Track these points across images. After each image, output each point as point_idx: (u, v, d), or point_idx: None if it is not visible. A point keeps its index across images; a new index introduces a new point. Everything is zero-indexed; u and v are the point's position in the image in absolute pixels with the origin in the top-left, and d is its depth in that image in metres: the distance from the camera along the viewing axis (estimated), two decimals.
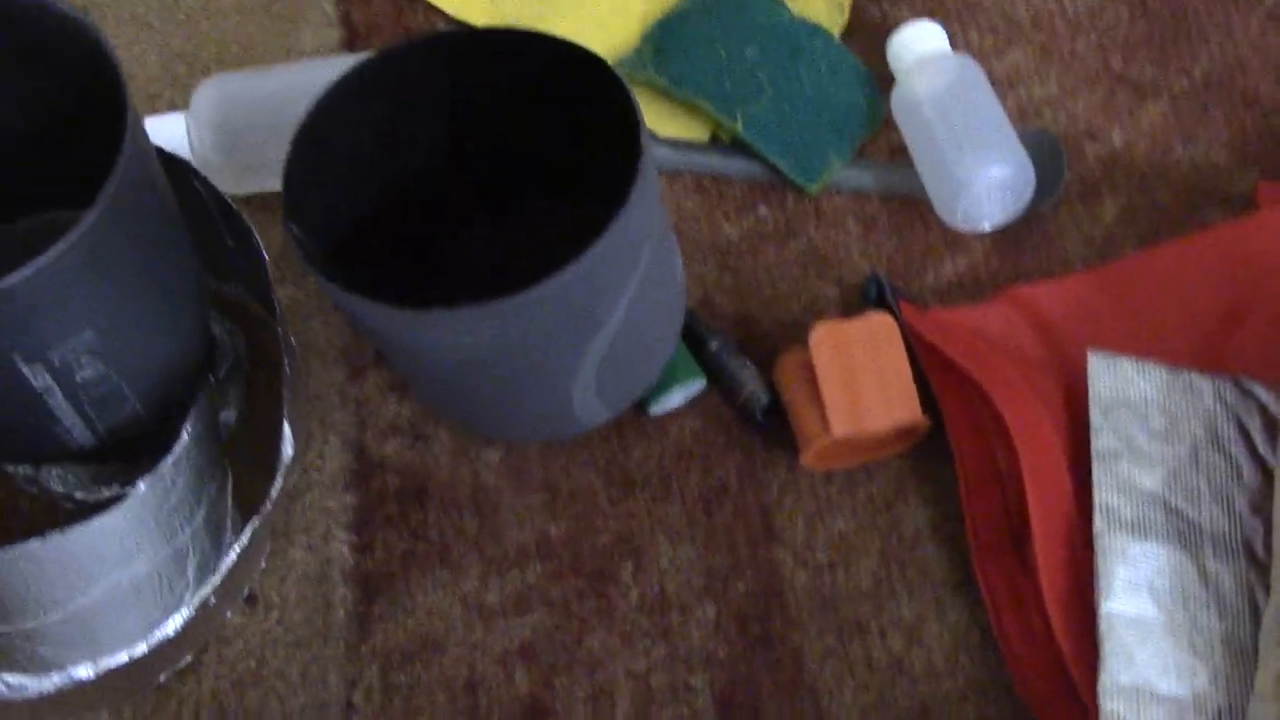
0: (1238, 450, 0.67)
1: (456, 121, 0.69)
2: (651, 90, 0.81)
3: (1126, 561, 0.64)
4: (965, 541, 0.69)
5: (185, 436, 0.57)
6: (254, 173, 0.78)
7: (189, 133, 0.76)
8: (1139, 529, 0.65)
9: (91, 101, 0.60)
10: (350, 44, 0.86)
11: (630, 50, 0.83)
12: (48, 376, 0.54)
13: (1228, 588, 0.64)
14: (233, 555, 0.61)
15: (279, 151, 0.76)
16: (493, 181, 0.73)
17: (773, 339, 0.76)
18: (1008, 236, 0.78)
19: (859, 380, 0.68)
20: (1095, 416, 0.68)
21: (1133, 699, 0.61)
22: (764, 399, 0.72)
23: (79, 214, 0.69)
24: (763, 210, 0.80)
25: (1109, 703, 0.61)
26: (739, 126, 0.78)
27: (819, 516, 0.71)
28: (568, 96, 0.66)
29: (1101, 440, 0.67)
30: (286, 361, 0.62)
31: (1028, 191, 0.76)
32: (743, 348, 0.74)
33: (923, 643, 0.68)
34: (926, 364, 0.71)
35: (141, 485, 0.55)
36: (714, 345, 0.73)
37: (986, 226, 0.77)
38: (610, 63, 0.83)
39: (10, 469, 0.67)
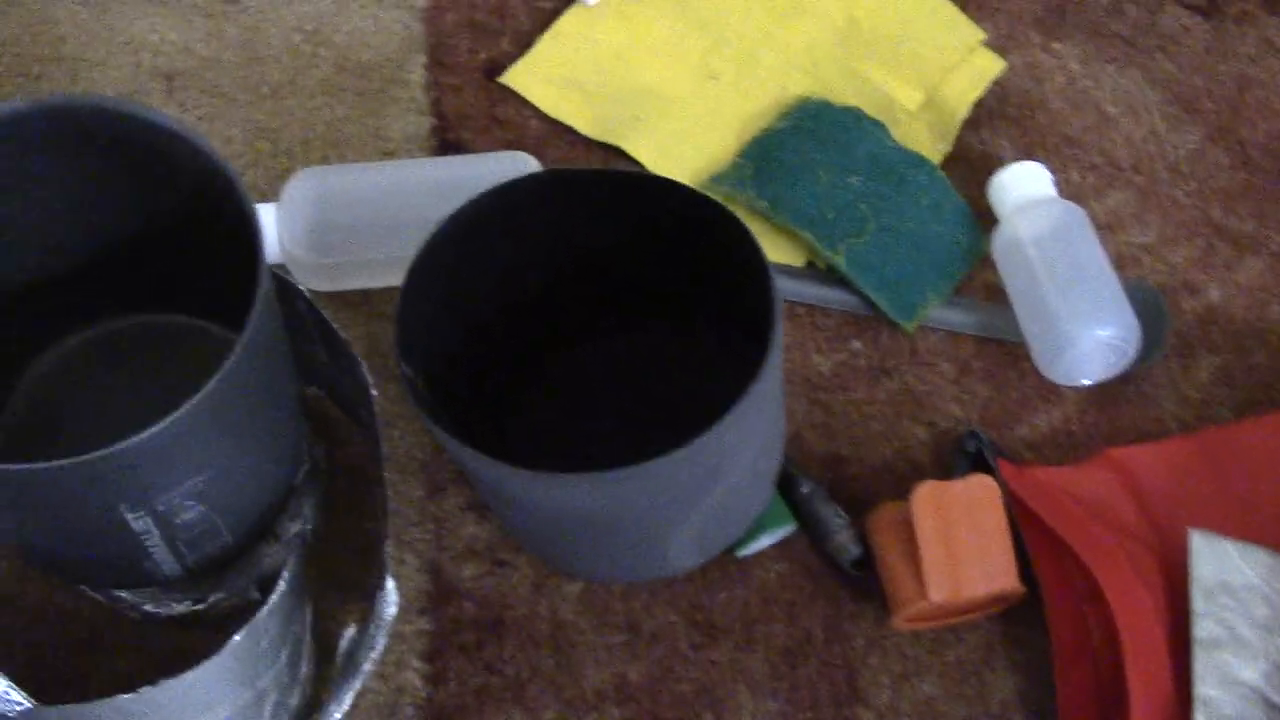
0: None
1: (565, 250, 0.67)
2: (749, 211, 0.80)
3: None
4: (1055, 714, 0.67)
5: (283, 585, 0.55)
6: (342, 272, 0.75)
7: (279, 226, 0.74)
8: None
9: (198, 212, 0.58)
10: (440, 133, 0.84)
11: (727, 164, 0.82)
12: (149, 521, 0.52)
13: None
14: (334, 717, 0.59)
15: (370, 253, 0.75)
16: (595, 302, 0.71)
17: (862, 482, 0.74)
18: (1102, 391, 0.77)
19: (958, 544, 0.67)
20: (1197, 600, 0.66)
21: None
22: (854, 551, 0.70)
23: (166, 318, 0.67)
24: (856, 344, 0.78)
25: None
26: (841, 261, 0.77)
27: (905, 679, 0.69)
28: (686, 233, 0.64)
29: (1203, 627, 0.66)
30: (385, 502, 0.60)
31: (1133, 351, 0.74)
32: (831, 490, 0.73)
33: None
34: (1024, 526, 0.70)
35: (236, 638, 0.53)
36: (805, 489, 0.71)
37: (1086, 382, 0.76)
38: (707, 176, 0.82)
39: None
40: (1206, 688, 0.64)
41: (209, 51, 0.86)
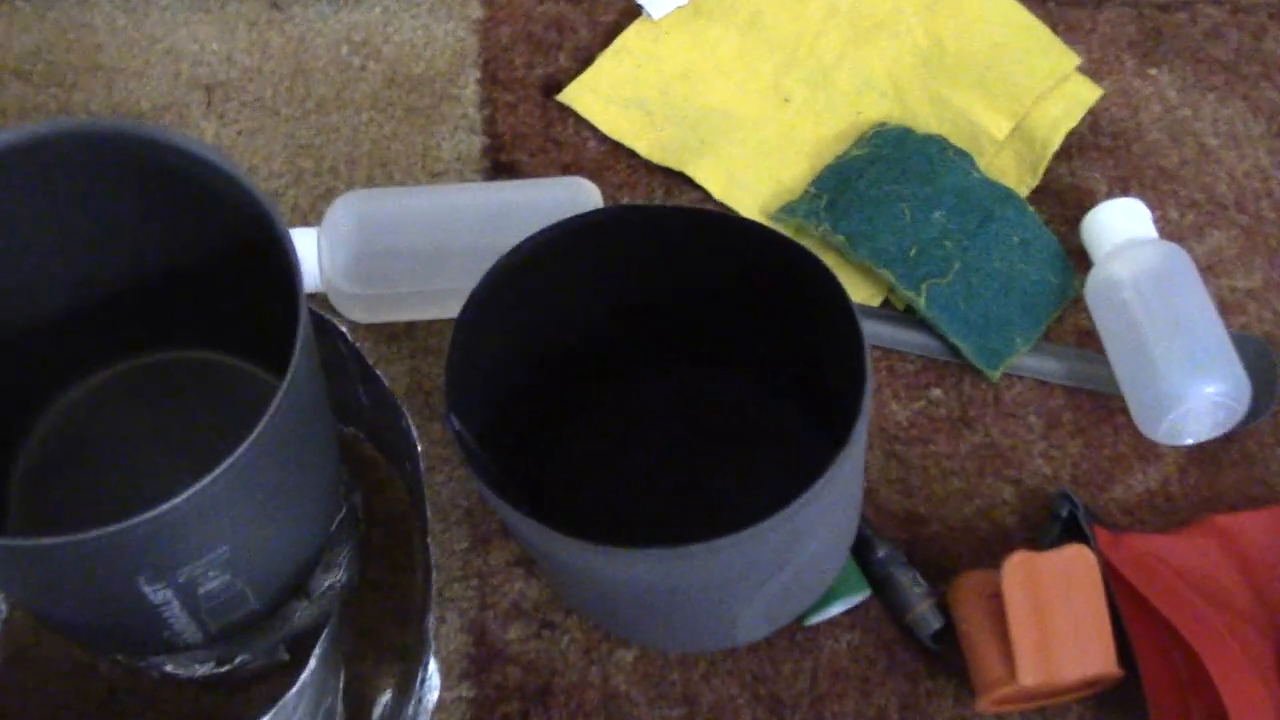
0: None
1: (630, 288, 0.62)
2: (822, 246, 0.74)
3: None
4: None
5: (314, 663, 0.50)
6: (386, 303, 0.70)
7: (319, 252, 0.69)
8: None
9: (233, 244, 0.54)
10: (493, 153, 0.79)
11: (800, 194, 0.76)
12: (169, 593, 0.47)
13: None
14: None
15: (416, 284, 0.70)
16: (654, 338, 0.66)
17: (940, 544, 0.68)
18: (1204, 450, 0.71)
19: (1051, 622, 0.61)
20: None
21: None
22: (935, 624, 0.64)
23: (199, 354, 0.63)
24: (936, 393, 0.72)
25: None
26: (922, 302, 0.71)
27: None
28: (763, 274, 0.59)
29: None
30: (429, 571, 0.54)
31: (1242, 409, 0.68)
32: (908, 552, 0.67)
33: None
34: (1122, 602, 0.64)
35: None
36: (881, 552, 0.66)
37: (1189, 441, 0.70)
38: (777, 206, 0.76)
39: None
40: None
41: (251, 62, 0.81)
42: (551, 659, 0.65)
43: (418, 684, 0.54)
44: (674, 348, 0.66)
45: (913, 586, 0.65)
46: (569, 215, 0.56)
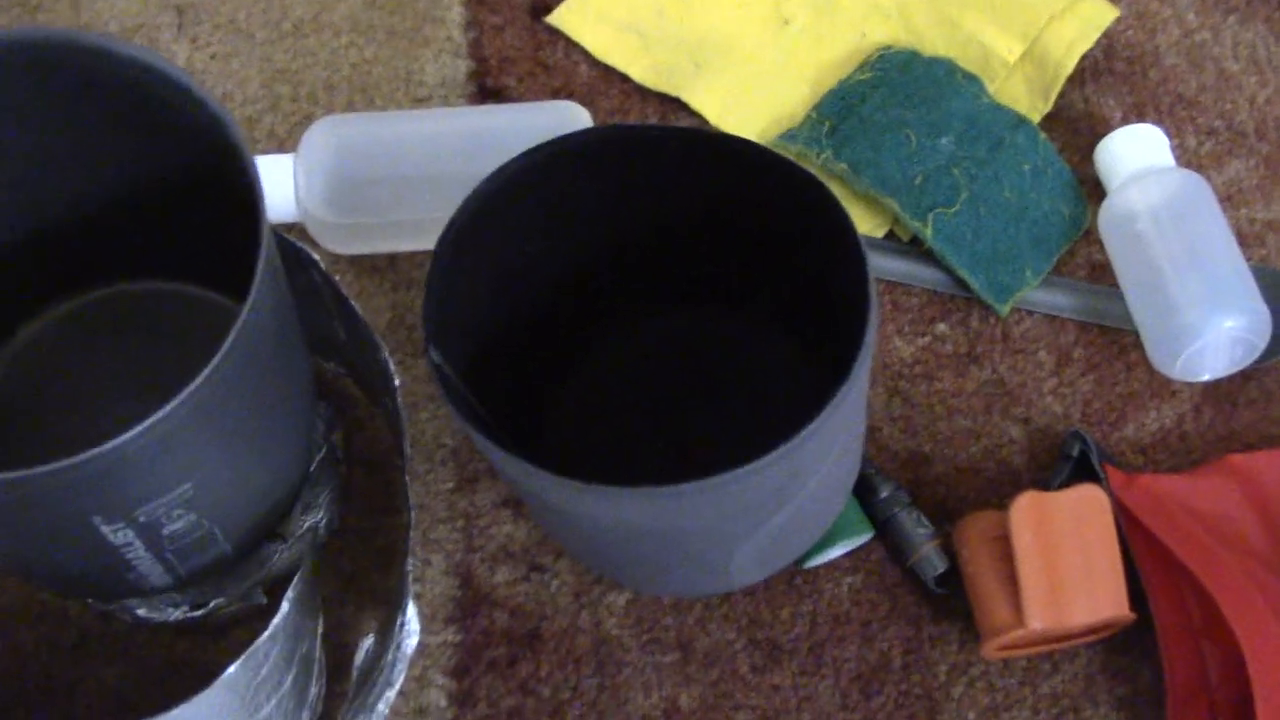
0: None
1: (620, 217, 0.58)
2: (824, 174, 0.71)
3: None
4: None
5: (286, 607, 0.47)
6: (366, 234, 0.67)
7: (295, 180, 0.66)
8: None
9: (197, 167, 0.50)
10: (479, 78, 0.75)
11: (801, 120, 0.73)
12: (130, 533, 0.44)
13: None
14: None
15: (397, 213, 0.67)
16: (647, 275, 0.63)
17: (946, 484, 0.66)
18: (1220, 387, 0.68)
19: (1062, 565, 0.58)
20: None
21: None
22: (940, 566, 0.62)
23: (164, 286, 0.59)
24: (941, 328, 0.69)
25: None
26: (928, 232, 0.68)
27: (994, 713, 0.61)
28: (761, 201, 0.56)
29: None
30: (409, 512, 0.52)
31: (1262, 344, 0.65)
32: (912, 493, 0.64)
33: None
34: (1134, 544, 0.61)
35: (231, 670, 0.45)
36: (884, 493, 0.63)
37: (1205, 377, 0.67)
38: (777, 133, 0.73)
39: None
40: None
41: None
42: (540, 603, 0.62)
43: (396, 629, 0.52)
44: (669, 285, 0.63)
45: (916, 528, 0.62)
46: None
